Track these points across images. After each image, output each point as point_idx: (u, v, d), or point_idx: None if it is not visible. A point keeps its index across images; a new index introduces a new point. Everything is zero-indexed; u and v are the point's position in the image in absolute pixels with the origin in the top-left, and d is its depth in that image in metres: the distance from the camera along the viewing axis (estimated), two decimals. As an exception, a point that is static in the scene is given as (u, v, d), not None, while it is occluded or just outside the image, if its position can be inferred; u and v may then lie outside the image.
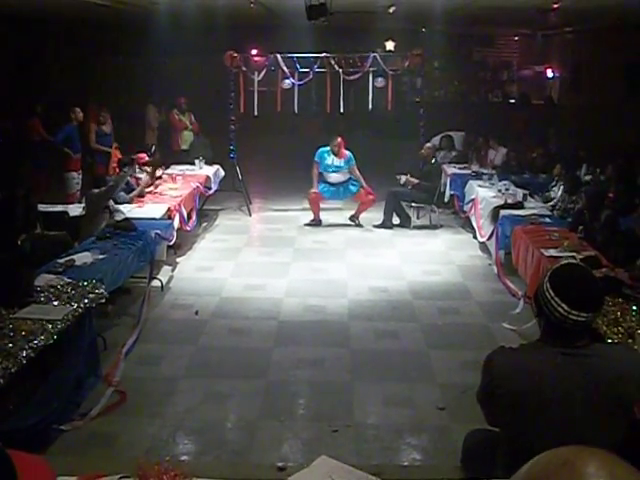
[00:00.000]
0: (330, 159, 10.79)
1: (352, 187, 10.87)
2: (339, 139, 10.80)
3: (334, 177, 10.84)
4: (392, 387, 5.63)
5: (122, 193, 8.81)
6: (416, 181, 10.80)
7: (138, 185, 9.20)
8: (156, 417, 5.08)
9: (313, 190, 10.80)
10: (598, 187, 8.88)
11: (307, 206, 11.14)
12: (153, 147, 10.64)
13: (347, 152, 10.87)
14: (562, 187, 9.18)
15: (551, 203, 9.10)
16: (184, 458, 4.60)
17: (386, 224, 10.73)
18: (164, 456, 4.59)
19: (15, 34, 13.92)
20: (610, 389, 2.47)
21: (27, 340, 4.40)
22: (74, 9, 11.96)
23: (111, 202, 7.78)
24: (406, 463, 4.61)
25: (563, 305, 2.48)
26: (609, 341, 4.62)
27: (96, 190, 7.61)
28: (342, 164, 10.77)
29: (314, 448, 4.65)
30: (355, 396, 5.46)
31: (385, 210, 10.79)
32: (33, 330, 4.56)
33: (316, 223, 10.87)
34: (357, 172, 10.83)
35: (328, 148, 10.81)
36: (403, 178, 10.93)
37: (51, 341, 4.56)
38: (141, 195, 9.08)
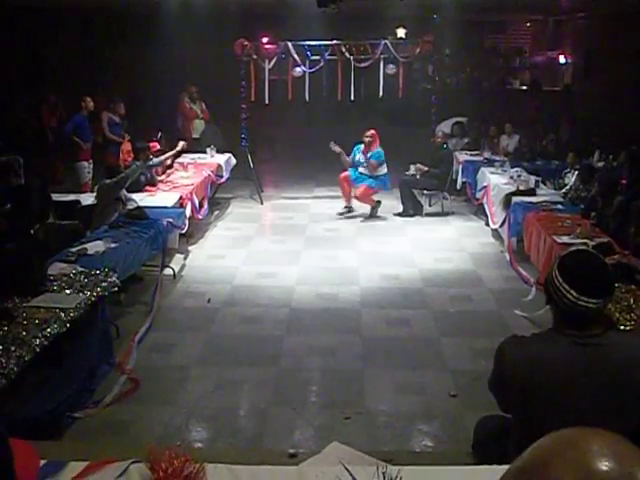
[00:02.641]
0: (358, 155, 10.54)
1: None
2: (371, 131, 10.46)
3: (362, 170, 10.53)
4: (404, 374, 5.64)
5: (154, 159, 8.99)
6: (425, 169, 10.75)
7: (151, 172, 9.28)
8: (169, 404, 5.12)
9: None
10: (610, 173, 8.83)
11: (319, 194, 11.14)
12: (159, 133, 10.62)
13: (376, 149, 10.40)
14: (576, 175, 9.13)
15: (564, 190, 9.05)
16: (197, 445, 4.63)
17: (408, 212, 10.68)
18: (176, 443, 4.62)
19: (28, 23, 13.94)
20: (624, 376, 2.46)
21: (41, 328, 4.43)
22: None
23: (123, 192, 7.79)
24: (418, 450, 4.62)
25: (572, 291, 2.46)
26: (622, 328, 4.60)
27: (107, 181, 7.63)
28: (363, 160, 10.44)
29: (326, 435, 4.67)
30: (367, 383, 5.47)
31: (402, 200, 10.75)
32: (46, 318, 4.59)
33: (348, 211, 10.72)
34: (373, 165, 10.36)
35: (361, 145, 10.51)
36: (412, 168, 10.90)
37: (64, 329, 4.60)
38: (153, 184, 9.12)
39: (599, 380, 2.45)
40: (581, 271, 2.51)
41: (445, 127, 12.49)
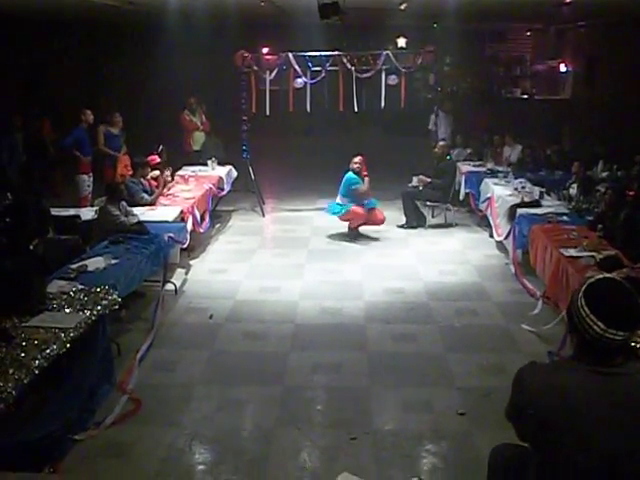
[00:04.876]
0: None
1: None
2: (358, 157, 9.97)
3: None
4: (410, 392, 5.53)
5: (145, 195, 8.80)
6: (428, 180, 10.65)
7: (151, 187, 9.16)
8: (171, 425, 5.00)
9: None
10: (616, 184, 8.74)
11: (321, 206, 11.01)
12: (160, 147, 10.51)
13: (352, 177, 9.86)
14: (577, 186, 9.07)
15: (573, 203, 8.92)
16: (200, 467, 4.52)
17: (411, 224, 10.59)
18: (180, 466, 4.52)
19: (28, 36, 13.91)
20: None
21: (40, 349, 4.33)
22: (83, 10, 11.92)
23: (124, 207, 7.68)
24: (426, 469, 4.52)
25: (599, 323, 2.36)
26: (632, 344, 4.50)
27: (114, 211, 7.43)
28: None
29: (332, 456, 4.58)
30: (373, 402, 5.36)
31: (405, 212, 10.66)
32: (46, 339, 4.50)
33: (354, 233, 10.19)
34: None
35: (354, 175, 9.87)
36: (415, 179, 10.80)
37: (64, 350, 4.50)
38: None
39: (620, 411, 2.35)
40: (609, 302, 2.40)
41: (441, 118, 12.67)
